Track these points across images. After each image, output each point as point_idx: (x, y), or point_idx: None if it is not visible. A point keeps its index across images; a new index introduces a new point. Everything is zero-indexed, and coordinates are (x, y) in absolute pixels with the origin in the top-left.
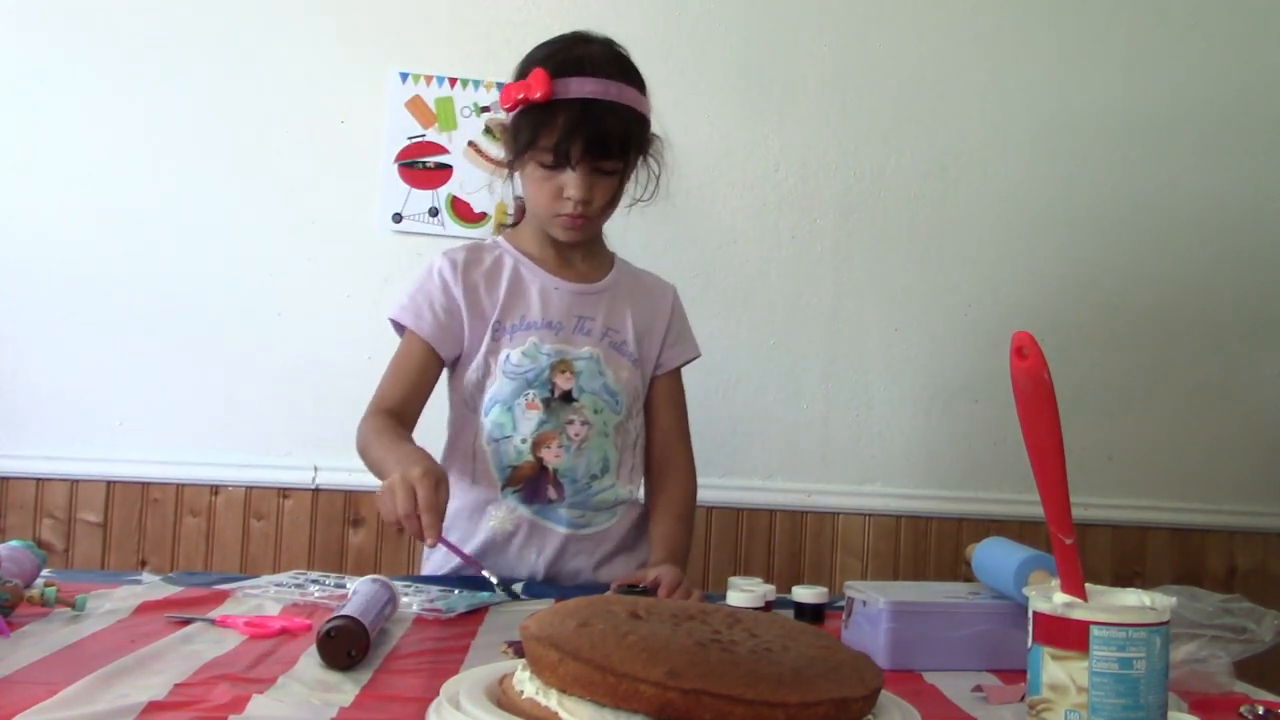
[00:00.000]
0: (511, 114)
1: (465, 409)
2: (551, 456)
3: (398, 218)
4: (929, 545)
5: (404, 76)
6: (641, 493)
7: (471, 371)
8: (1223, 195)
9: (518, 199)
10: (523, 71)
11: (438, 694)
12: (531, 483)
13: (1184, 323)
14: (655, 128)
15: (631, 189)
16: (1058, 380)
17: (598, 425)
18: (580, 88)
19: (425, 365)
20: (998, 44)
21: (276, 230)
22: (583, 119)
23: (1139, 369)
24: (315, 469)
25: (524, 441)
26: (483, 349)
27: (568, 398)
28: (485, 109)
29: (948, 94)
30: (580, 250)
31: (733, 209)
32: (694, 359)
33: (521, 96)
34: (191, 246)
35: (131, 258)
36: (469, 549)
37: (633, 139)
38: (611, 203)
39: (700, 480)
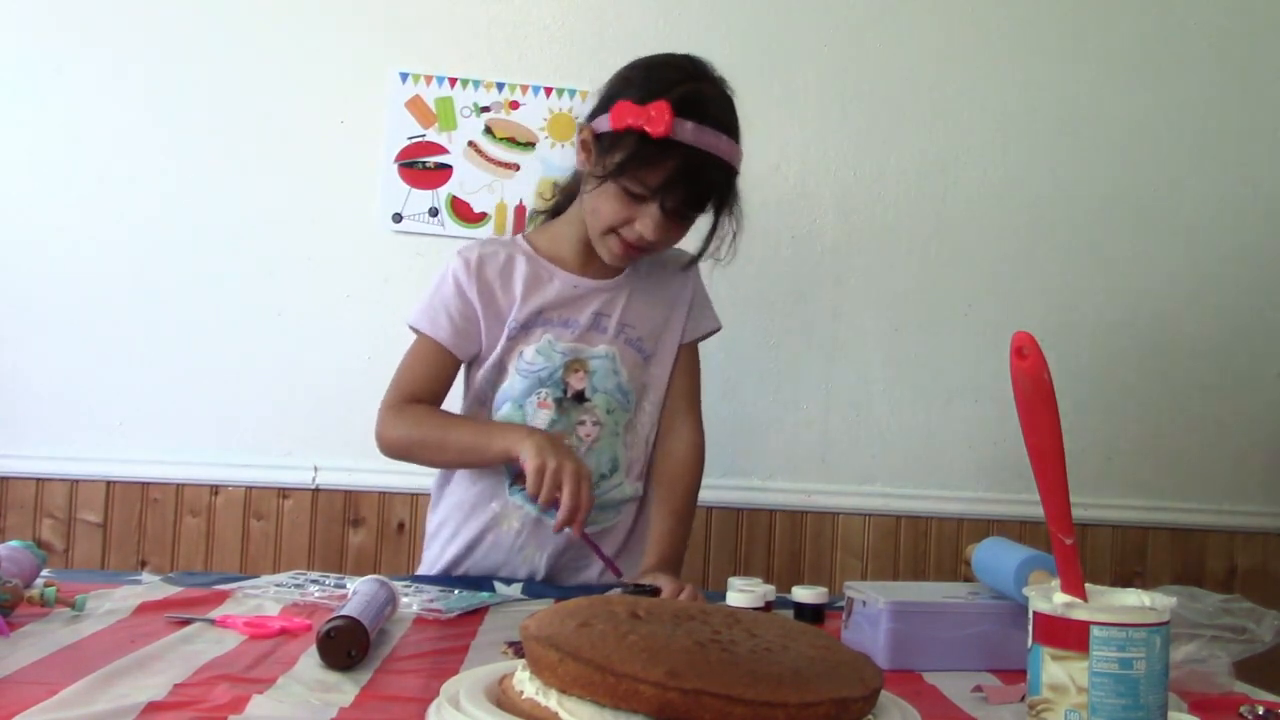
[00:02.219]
0: (615, 130)
1: (477, 404)
2: None
3: (398, 218)
4: (929, 545)
5: (404, 76)
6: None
7: (486, 369)
8: (1223, 195)
9: (558, 187)
10: (640, 90)
11: (438, 694)
12: None
13: (1184, 322)
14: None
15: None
16: (1058, 380)
17: (609, 425)
18: (699, 137)
19: (443, 366)
20: (997, 44)
21: (276, 230)
22: (691, 169)
23: (1138, 369)
24: (315, 469)
25: None
26: (499, 347)
27: (580, 397)
28: (485, 109)
29: (948, 94)
30: None
31: None
32: (715, 331)
33: (636, 124)
34: (191, 246)
35: (131, 258)
36: (469, 541)
37: (726, 199)
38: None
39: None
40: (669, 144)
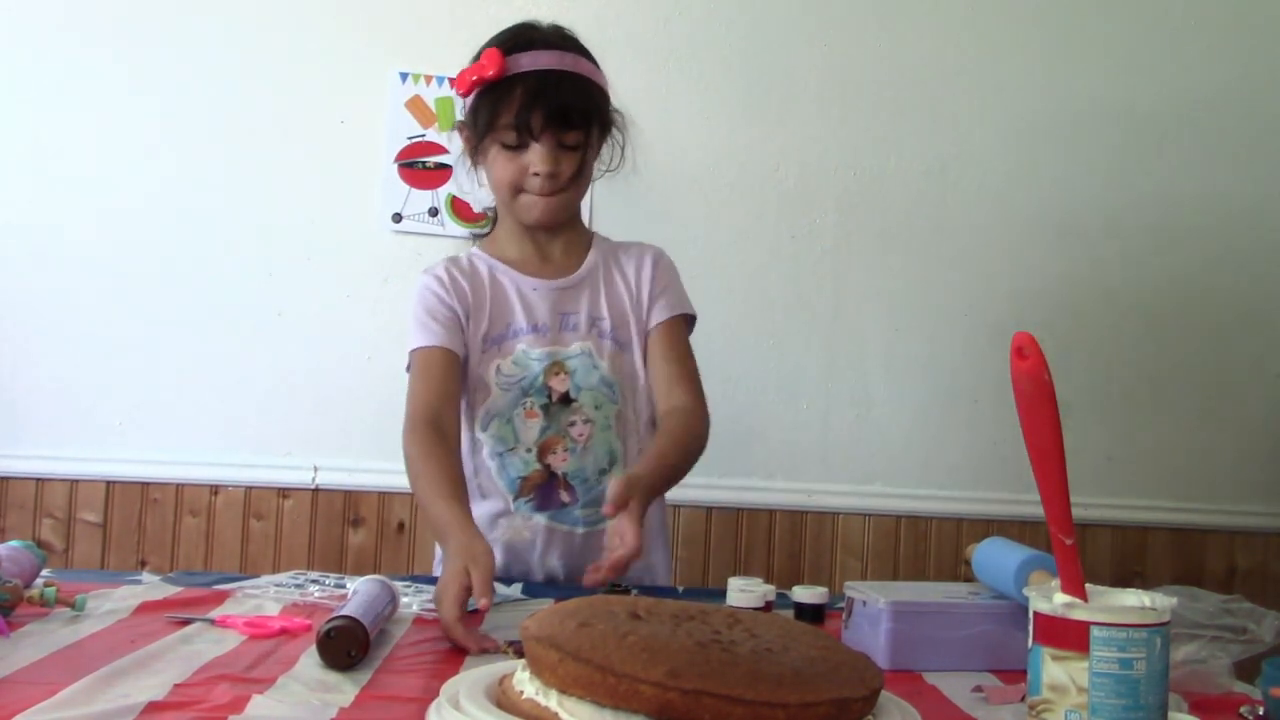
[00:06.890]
0: (469, 100)
1: (465, 425)
2: (559, 461)
3: (398, 218)
4: (929, 545)
5: (404, 76)
6: None
7: (468, 388)
8: (1222, 195)
9: (488, 209)
10: (475, 57)
11: (438, 694)
12: (542, 490)
13: (1184, 323)
14: (625, 108)
15: (598, 164)
16: (1058, 380)
17: (600, 421)
18: (535, 60)
19: (448, 365)
20: (997, 44)
21: (276, 230)
22: (541, 90)
23: (1139, 369)
24: (315, 469)
25: (529, 451)
26: (473, 363)
27: (566, 399)
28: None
29: (947, 94)
30: (560, 241)
31: (733, 209)
32: (687, 315)
33: (475, 78)
34: (191, 246)
35: (131, 257)
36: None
37: (594, 110)
38: (579, 178)
39: (700, 480)
40: (511, 81)
